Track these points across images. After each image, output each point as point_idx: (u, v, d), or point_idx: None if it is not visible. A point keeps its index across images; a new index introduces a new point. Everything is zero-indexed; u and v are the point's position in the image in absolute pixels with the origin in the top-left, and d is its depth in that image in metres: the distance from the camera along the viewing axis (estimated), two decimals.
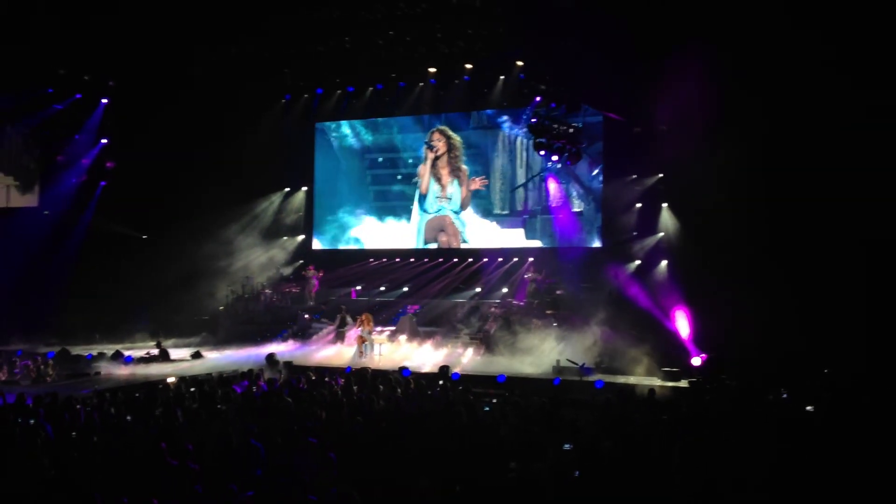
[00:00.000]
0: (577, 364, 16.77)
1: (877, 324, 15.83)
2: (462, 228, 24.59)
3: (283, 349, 20.60)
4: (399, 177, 25.76)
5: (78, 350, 20.69)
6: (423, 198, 25.10)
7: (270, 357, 18.22)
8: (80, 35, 20.50)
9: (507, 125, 24.10)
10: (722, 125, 17.06)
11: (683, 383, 15.82)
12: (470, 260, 24.22)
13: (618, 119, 21.31)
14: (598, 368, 17.43)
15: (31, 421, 10.71)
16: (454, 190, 24.63)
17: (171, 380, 15.11)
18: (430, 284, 23.98)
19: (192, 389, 13.92)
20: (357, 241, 26.20)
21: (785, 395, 12.68)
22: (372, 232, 25.99)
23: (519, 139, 23.74)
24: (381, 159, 26.09)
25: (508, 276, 23.21)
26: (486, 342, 19.81)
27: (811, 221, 16.92)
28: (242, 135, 24.63)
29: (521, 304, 21.80)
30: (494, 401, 13.37)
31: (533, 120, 19.52)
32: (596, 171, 22.70)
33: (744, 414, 11.61)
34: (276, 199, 26.79)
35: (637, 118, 20.73)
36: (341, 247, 26.44)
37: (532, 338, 19.08)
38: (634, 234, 21.39)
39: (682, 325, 18.00)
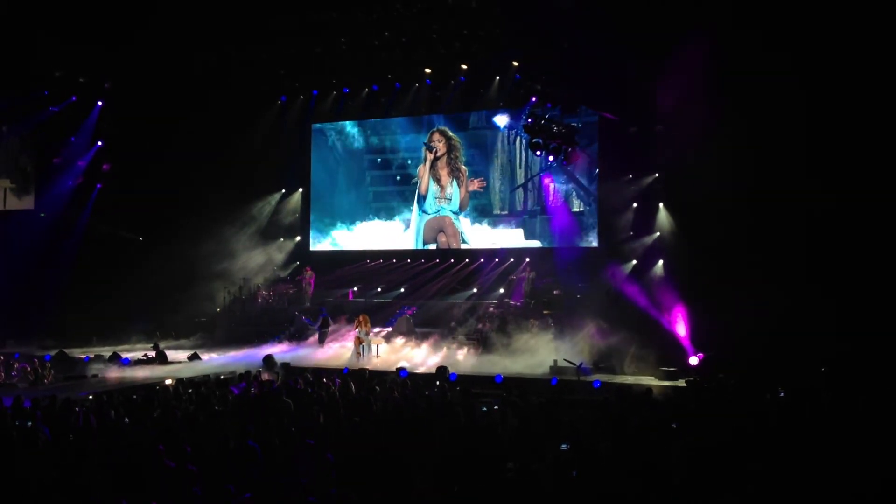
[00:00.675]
0: (574, 364, 16.77)
1: (872, 320, 15.87)
2: (462, 229, 24.60)
3: (279, 350, 20.64)
4: (398, 178, 25.77)
5: (75, 352, 20.67)
6: (422, 198, 25.11)
7: (268, 358, 18.23)
8: (75, 38, 20.49)
9: (506, 125, 24.10)
10: (718, 125, 17.07)
11: (681, 382, 15.82)
12: (467, 260, 24.26)
13: (614, 119, 21.34)
14: (595, 368, 17.44)
15: (29, 423, 10.72)
16: (453, 191, 24.64)
17: (168, 382, 15.10)
18: (427, 285, 24.01)
19: (190, 391, 13.93)
20: (354, 242, 26.18)
21: (782, 394, 12.68)
22: (370, 233, 25.99)
23: (518, 139, 23.73)
24: (379, 160, 26.09)
25: (505, 276, 23.26)
26: (483, 342, 19.83)
27: (807, 220, 16.95)
28: (238, 136, 24.67)
29: (519, 304, 21.84)
30: (492, 401, 13.38)
31: (528, 120, 19.55)
32: (595, 172, 22.72)
33: (741, 413, 11.62)
34: (273, 200, 26.79)
35: (633, 118, 20.76)
36: (338, 248, 26.43)
37: (529, 338, 19.11)
38: (631, 233, 21.42)
39: (680, 324, 18.02)
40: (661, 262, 20.32)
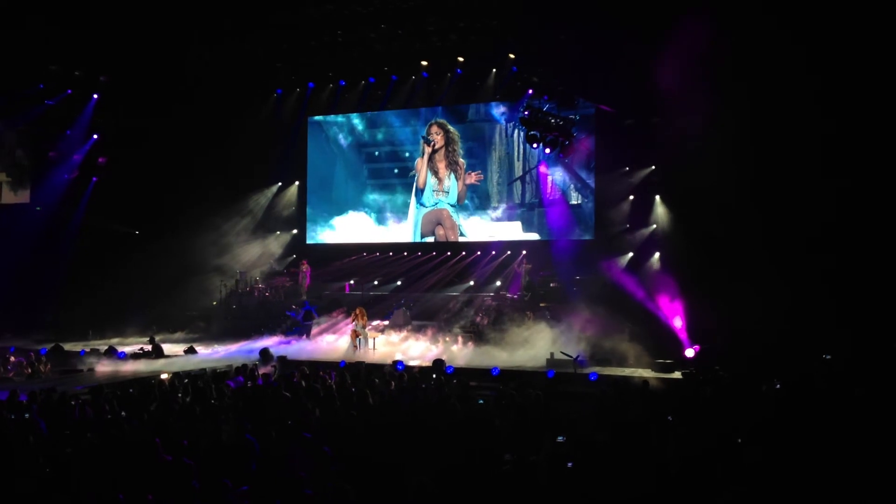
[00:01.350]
0: (571, 356, 16.78)
1: (871, 313, 15.91)
2: (459, 222, 24.59)
3: (275, 343, 20.66)
4: (396, 170, 25.73)
5: (71, 346, 20.64)
6: (420, 191, 25.09)
7: (264, 352, 18.24)
8: (70, 30, 20.43)
9: (504, 118, 24.09)
10: (715, 117, 17.06)
11: (677, 375, 15.84)
12: (464, 253, 24.28)
13: (610, 111, 21.34)
14: (591, 360, 17.45)
15: (26, 415, 10.72)
16: (451, 183, 24.63)
17: (164, 376, 15.07)
18: (424, 278, 24.03)
19: (186, 381, 13.94)
20: (351, 235, 26.16)
21: (778, 386, 12.71)
22: (367, 226, 25.97)
23: (516, 132, 23.69)
24: (377, 153, 26.06)
25: (502, 269, 23.27)
26: (480, 335, 19.83)
27: (804, 212, 16.97)
28: (235, 129, 24.61)
29: (515, 296, 21.86)
30: (489, 394, 13.40)
31: (525, 112, 19.54)
32: (592, 164, 22.72)
33: (737, 404, 11.64)
34: (269, 193, 26.76)
35: (630, 110, 20.76)
36: (335, 241, 26.41)
37: (526, 330, 19.11)
38: (627, 226, 21.46)
39: (676, 316, 18.04)
40: (657, 254, 20.37)
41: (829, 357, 15.11)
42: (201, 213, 23.97)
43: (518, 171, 24.03)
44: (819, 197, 16.63)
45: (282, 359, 17.90)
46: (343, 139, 26.39)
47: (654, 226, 20.88)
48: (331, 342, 21.29)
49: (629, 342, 17.22)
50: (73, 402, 11.70)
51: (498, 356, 18.16)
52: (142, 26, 20.11)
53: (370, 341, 20.37)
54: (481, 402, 12.37)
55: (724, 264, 17.40)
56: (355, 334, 20.21)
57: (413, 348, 19.87)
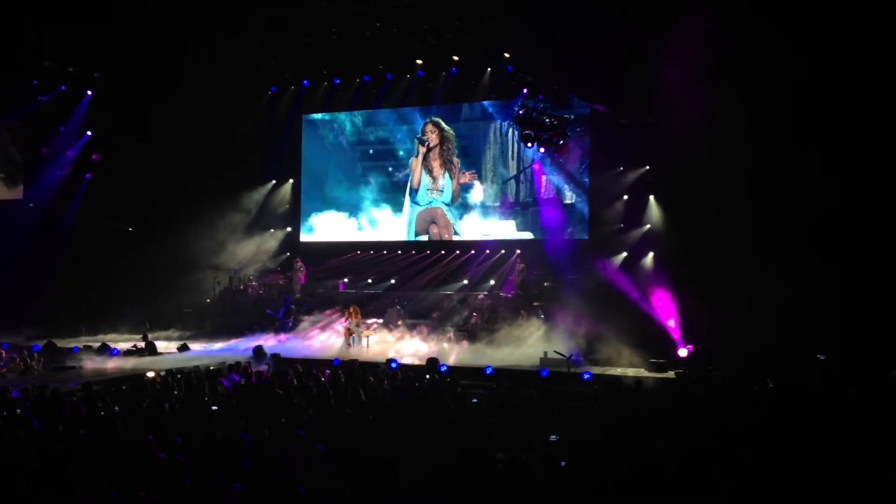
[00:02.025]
0: (564, 355, 16.79)
1: (866, 314, 15.96)
2: (454, 220, 24.59)
3: (268, 341, 20.64)
4: (390, 169, 25.73)
5: (64, 343, 20.62)
6: (414, 190, 25.09)
7: (258, 349, 18.22)
8: (64, 27, 20.37)
9: (498, 117, 24.08)
10: (710, 116, 17.08)
11: (670, 374, 15.87)
12: (457, 252, 24.27)
13: (605, 111, 21.35)
14: (585, 359, 17.47)
15: (18, 411, 10.69)
16: (446, 182, 24.63)
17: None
18: (418, 277, 24.03)
19: (179, 376, 13.92)
20: (345, 233, 26.14)
21: (771, 385, 12.74)
22: (361, 224, 25.96)
23: (511, 131, 23.70)
24: (371, 151, 26.04)
25: (496, 268, 23.28)
26: (473, 334, 19.84)
27: (800, 213, 17.01)
28: (229, 127, 24.58)
29: (509, 295, 21.86)
30: (482, 393, 13.40)
31: (520, 112, 19.54)
32: (586, 164, 22.73)
33: (730, 404, 11.67)
34: (264, 191, 26.71)
35: (624, 110, 20.77)
36: (329, 239, 26.38)
37: (520, 329, 19.13)
38: (621, 225, 21.47)
39: (669, 316, 18.06)
40: (651, 254, 20.38)
41: (822, 357, 15.14)
42: (195, 210, 23.89)
43: (512, 171, 24.04)
44: (813, 197, 16.66)
45: (275, 356, 17.90)
46: (337, 137, 26.37)
47: (648, 225, 20.90)
48: (324, 340, 21.25)
49: (623, 342, 17.22)
50: (65, 399, 11.66)
51: (492, 355, 18.17)
52: (136, 23, 20.07)
53: (364, 339, 20.36)
54: (475, 400, 12.38)
55: (718, 264, 17.43)
56: (349, 332, 20.21)
57: (407, 347, 19.86)
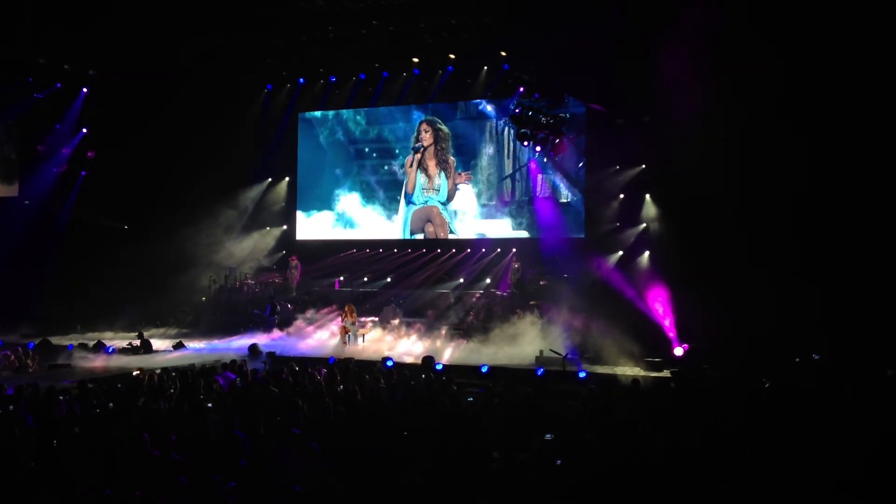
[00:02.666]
0: (560, 354, 16.78)
1: (860, 311, 15.99)
2: (450, 219, 24.58)
3: (264, 339, 20.63)
4: (386, 167, 25.70)
5: (59, 340, 20.57)
6: (409, 189, 25.06)
7: (253, 347, 18.20)
8: (59, 24, 20.32)
9: (494, 115, 24.09)
10: (705, 116, 17.09)
11: (666, 373, 15.87)
12: (453, 250, 24.26)
13: (601, 110, 21.35)
14: (581, 358, 17.47)
15: (11, 407, 10.67)
16: (441, 181, 24.62)
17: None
18: (413, 275, 24.01)
19: (174, 374, 13.90)
20: (341, 231, 26.13)
21: (767, 385, 12.75)
22: (357, 222, 25.94)
23: (507, 130, 23.69)
24: (367, 150, 26.01)
25: (492, 266, 23.28)
26: (469, 333, 19.83)
27: (794, 212, 17.03)
28: (225, 125, 24.55)
29: (505, 294, 21.86)
30: (478, 391, 13.40)
31: (516, 110, 19.51)
32: (582, 163, 22.73)
33: (726, 403, 11.68)
34: (259, 189, 26.67)
35: (620, 109, 20.77)
36: (325, 237, 26.35)
37: (515, 328, 19.12)
38: (617, 224, 21.48)
39: (665, 315, 18.08)
40: (646, 252, 20.39)
41: (818, 356, 15.16)
42: (190, 208, 23.87)
43: (508, 169, 24.03)
44: (809, 196, 16.69)
45: (271, 355, 17.89)
46: (333, 135, 26.34)
47: (644, 224, 20.91)
48: (320, 338, 21.23)
49: (618, 340, 17.23)
50: (60, 397, 11.64)
51: (487, 354, 18.15)
52: (131, 20, 20.00)
53: (360, 338, 20.35)
54: (470, 399, 12.38)
55: (714, 263, 17.43)
56: (345, 331, 20.20)
57: (402, 345, 19.84)
